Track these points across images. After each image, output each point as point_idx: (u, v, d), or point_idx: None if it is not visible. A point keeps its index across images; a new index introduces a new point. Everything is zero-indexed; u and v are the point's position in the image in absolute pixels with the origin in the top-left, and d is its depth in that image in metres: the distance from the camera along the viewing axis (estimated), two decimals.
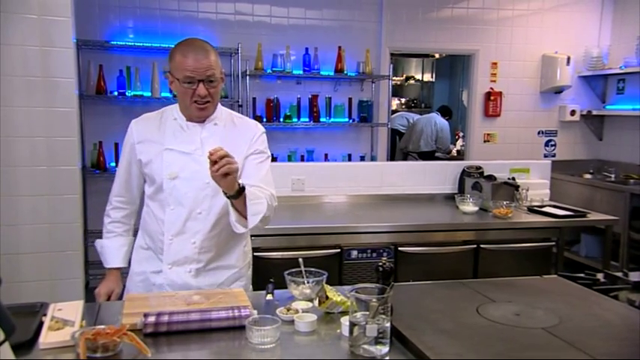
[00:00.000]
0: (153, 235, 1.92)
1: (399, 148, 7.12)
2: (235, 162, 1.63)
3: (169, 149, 1.86)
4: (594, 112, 5.68)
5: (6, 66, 3.09)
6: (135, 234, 2.06)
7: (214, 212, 1.87)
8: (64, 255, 3.27)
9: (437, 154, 6.81)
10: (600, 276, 2.02)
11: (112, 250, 2.01)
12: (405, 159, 6.89)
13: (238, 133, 1.93)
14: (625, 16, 5.50)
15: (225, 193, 1.70)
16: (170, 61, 1.83)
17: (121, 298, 1.96)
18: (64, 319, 1.46)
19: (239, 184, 1.69)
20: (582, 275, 2.02)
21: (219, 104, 1.95)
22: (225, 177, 1.62)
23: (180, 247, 1.87)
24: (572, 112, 5.67)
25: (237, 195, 1.70)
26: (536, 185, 3.82)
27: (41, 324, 1.45)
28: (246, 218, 1.74)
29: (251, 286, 2.06)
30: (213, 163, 1.59)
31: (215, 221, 1.87)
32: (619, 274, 2.01)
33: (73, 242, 3.30)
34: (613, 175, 5.19)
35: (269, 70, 4.92)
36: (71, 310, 1.53)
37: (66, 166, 3.25)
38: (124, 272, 2.06)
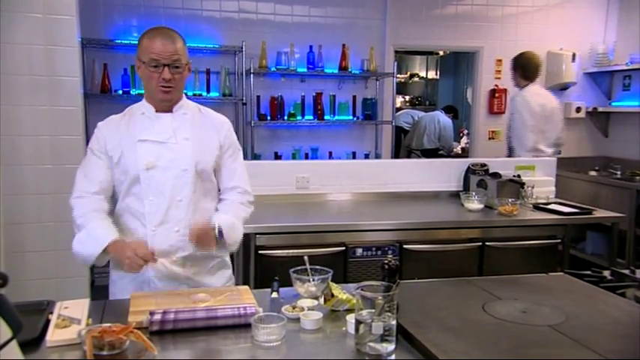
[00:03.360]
0: (133, 231, 1.88)
1: (404, 145, 7.11)
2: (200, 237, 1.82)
3: (142, 140, 1.87)
4: (600, 109, 5.65)
5: (11, 65, 3.10)
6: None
7: (194, 199, 1.89)
8: (69, 253, 3.22)
9: (440, 152, 6.79)
10: (607, 273, 2.01)
11: (102, 228, 1.79)
12: (408, 157, 6.87)
13: (207, 123, 1.98)
14: (631, 11, 5.46)
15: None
16: (138, 46, 1.87)
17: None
18: (71, 317, 1.47)
19: (215, 236, 1.84)
20: (589, 273, 2.01)
21: (184, 96, 1.98)
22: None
23: (164, 236, 1.86)
24: (578, 109, 5.65)
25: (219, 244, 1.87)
26: (542, 182, 3.80)
27: (48, 322, 1.46)
28: None
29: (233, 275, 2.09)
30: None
31: (195, 207, 1.89)
32: (626, 271, 2.00)
33: None
34: (619, 172, 5.16)
35: (273, 68, 4.92)
36: (77, 308, 1.54)
37: (71, 164, 3.24)
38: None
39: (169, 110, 1.92)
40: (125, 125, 1.92)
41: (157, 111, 1.91)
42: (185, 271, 1.90)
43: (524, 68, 4.22)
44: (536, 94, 4.19)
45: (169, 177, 1.86)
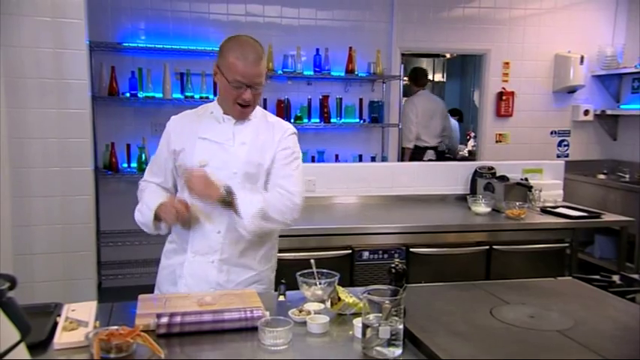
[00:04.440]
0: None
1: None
2: (198, 185, 1.75)
3: (203, 138, 1.91)
4: (608, 112, 5.61)
5: (19, 68, 3.13)
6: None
7: None
8: (77, 255, 3.31)
9: (446, 155, 6.76)
10: (616, 278, 1.99)
11: (154, 195, 1.93)
12: None
13: (270, 130, 1.96)
14: None
15: None
16: (220, 57, 1.86)
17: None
18: (78, 320, 1.47)
19: (224, 194, 1.77)
20: (597, 277, 1.99)
21: None
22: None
23: (205, 235, 1.89)
24: (586, 112, 5.61)
25: (223, 204, 1.78)
26: (550, 186, 3.78)
27: (55, 324, 1.46)
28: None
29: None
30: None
31: None
32: (635, 275, 1.98)
33: (86, 243, 3.33)
34: (627, 176, 5.13)
35: (280, 71, 4.92)
36: (85, 310, 1.54)
37: (79, 167, 3.28)
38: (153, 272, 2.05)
39: None
40: (194, 121, 1.96)
41: (224, 113, 1.94)
42: (218, 276, 1.89)
43: (415, 79, 5.73)
44: (424, 98, 5.68)
45: (219, 177, 1.85)
